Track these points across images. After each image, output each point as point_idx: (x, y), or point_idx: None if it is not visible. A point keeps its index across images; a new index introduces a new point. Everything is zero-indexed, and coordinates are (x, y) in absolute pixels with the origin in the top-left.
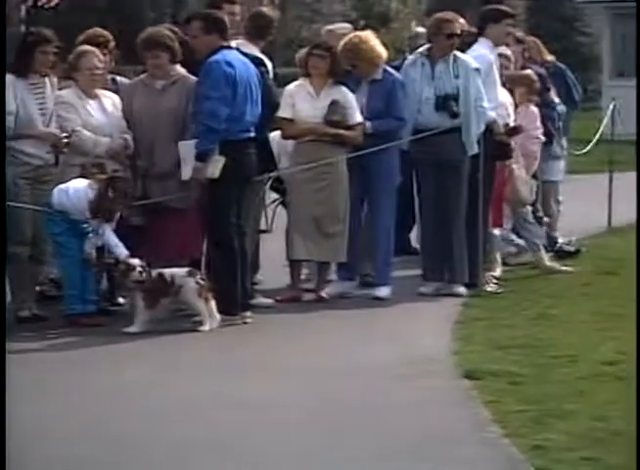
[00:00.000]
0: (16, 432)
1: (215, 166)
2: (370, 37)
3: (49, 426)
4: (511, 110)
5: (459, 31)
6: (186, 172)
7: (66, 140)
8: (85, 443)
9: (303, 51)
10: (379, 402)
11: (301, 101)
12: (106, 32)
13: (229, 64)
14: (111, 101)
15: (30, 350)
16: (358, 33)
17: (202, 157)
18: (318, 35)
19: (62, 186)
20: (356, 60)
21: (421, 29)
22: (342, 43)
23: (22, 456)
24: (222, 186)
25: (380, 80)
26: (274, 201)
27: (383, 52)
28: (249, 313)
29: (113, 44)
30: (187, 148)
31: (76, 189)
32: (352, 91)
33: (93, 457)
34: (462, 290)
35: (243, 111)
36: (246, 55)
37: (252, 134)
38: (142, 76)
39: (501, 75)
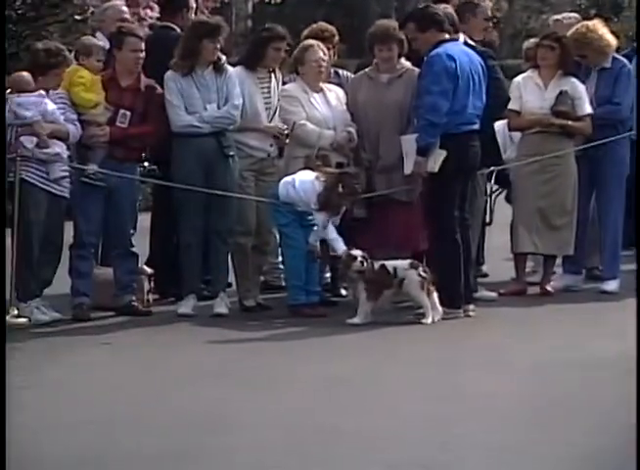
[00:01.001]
0: (227, 419)
1: (436, 161)
2: (598, 26)
3: (268, 414)
4: None
5: None
6: (408, 166)
7: (287, 132)
8: (298, 432)
9: (530, 42)
10: (604, 398)
11: (529, 93)
12: (331, 27)
13: (450, 57)
14: (335, 94)
15: (255, 338)
16: (586, 22)
17: (423, 151)
18: (546, 26)
19: (287, 178)
20: (585, 49)
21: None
22: (569, 33)
23: (237, 442)
24: (444, 179)
25: (609, 69)
26: (493, 192)
27: (612, 40)
28: (472, 307)
29: (337, 39)
30: (409, 142)
31: (302, 181)
32: (583, 82)
33: (302, 447)
34: None
35: (465, 104)
36: (473, 48)
37: (476, 127)
38: (367, 70)
39: None
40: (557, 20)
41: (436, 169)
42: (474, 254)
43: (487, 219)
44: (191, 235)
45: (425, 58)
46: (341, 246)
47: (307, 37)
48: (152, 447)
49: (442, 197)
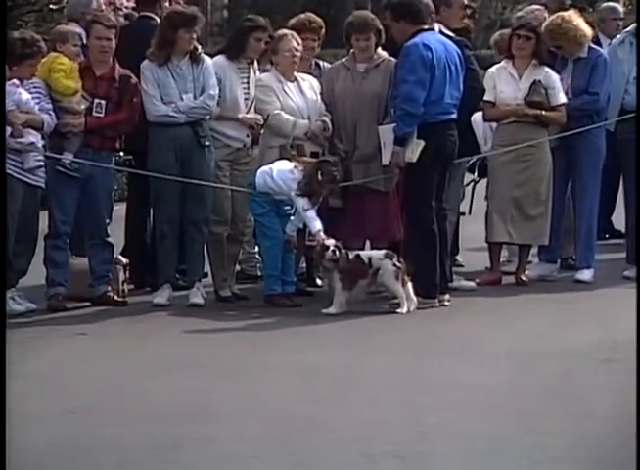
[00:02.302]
0: (205, 409)
1: (414, 150)
2: (574, 16)
3: (246, 404)
4: None
5: None
6: (386, 156)
7: (261, 123)
8: (276, 422)
9: (499, 34)
10: (581, 386)
11: (503, 83)
12: (318, 19)
13: (426, 46)
14: (309, 84)
15: (231, 328)
16: (562, 13)
17: (400, 141)
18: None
19: (264, 168)
20: (560, 40)
21: (605, 4)
22: (545, 24)
23: (207, 434)
24: (422, 169)
25: (585, 58)
26: (475, 181)
27: (587, 31)
28: (447, 296)
29: (323, 31)
30: (387, 132)
31: (280, 171)
32: (559, 72)
33: (280, 437)
34: None
35: (442, 93)
36: (450, 37)
37: (454, 116)
38: (344, 59)
39: None
40: (520, 17)
41: (414, 159)
42: (450, 244)
43: (467, 210)
44: (166, 225)
45: (402, 48)
46: (318, 226)
47: (293, 27)
48: (132, 438)
49: (420, 186)
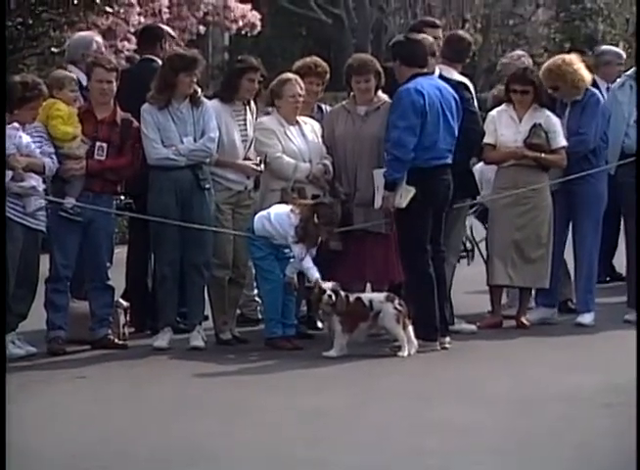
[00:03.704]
0: (206, 452)
1: (403, 196)
2: (575, 60)
3: (248, 447)
4: None
5: None
6: (378, 200)
7: (262, 168)
8: (276, 465)
9: (496, 90)
10: (582, 431)
11: (504, 126)
12: (324, 63)
13: (418, 92)
14: (310, 127)
15: (231, 372)
16: (564, 56)
17: (390, 185)
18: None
19: (262, 212)
20: (559, 81)
21: (605, 47)
22: (545, 65)
23: None
24: (413, 214)
25: (579, 101)
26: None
27: (586, 75)
28: (447, 339)
29: (328, 75)
30: (379, 176)
31: (278, 214)
32: (559, 116)
33: None
34: None
35: (435, 139)
36: (448, 80)
37: (448, 161)
38: (344, 103)
39: None
40: (506, 63)
41: (404, 205)
42: (449, 286)
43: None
44: (167, 267)
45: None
46: (315, 274)
47: (298, 71)
48: None
49: (412, 231)
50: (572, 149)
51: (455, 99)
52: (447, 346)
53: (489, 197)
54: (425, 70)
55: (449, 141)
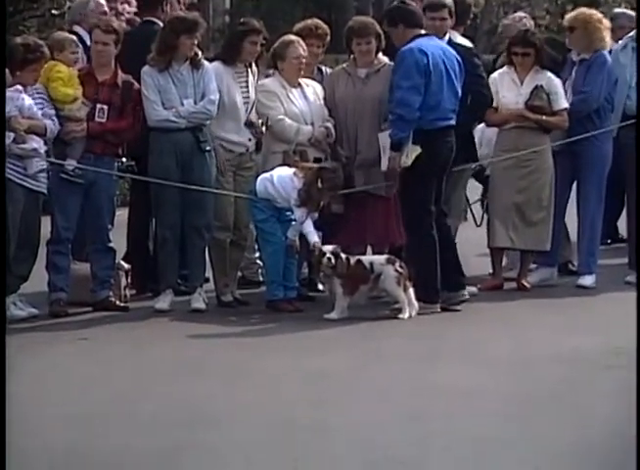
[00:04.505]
0: (208, 415)
1: (409, 155)
2: (607, 24)
3: (249, 410)
4: None
5: None
6: (384, 162)
7: (263, 129)
8: (277, 427)
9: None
10: (582, 393)
11: (505, 88)
12: (324, 25)
13: (422, 51)
14: (312, 89)
15: (232, 334)
16: (600, 14)
17: (395, 146)
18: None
19: (265, 175)
20: (580, 26)
21: (619, 10)
22: (577, 12)
23: (208, 440)
24: (418, 174)
25: (587, 60)
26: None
27: (607, 40)
28: (467, 290)
29: (328, 37)
30: (385, 138)
31: (281, 177)
32: (560, 78)
33: (283, 443)
34: None
35: (439, 99)
36: (458, 46)
37: (452, 122)
38: (345, 65)
39: None
40: (507, 25)
41: (409, 164)
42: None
43: (475, 222)
44: (167, 230)
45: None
46: (314, 238)
47: (299, 33)
48: (136, 443)
49: (417, 192)
50: (575, 108)
51: (457, 60)
52: (467, 297)
53: (490, 159)
54: (425, 32)
55: (453, 101)
